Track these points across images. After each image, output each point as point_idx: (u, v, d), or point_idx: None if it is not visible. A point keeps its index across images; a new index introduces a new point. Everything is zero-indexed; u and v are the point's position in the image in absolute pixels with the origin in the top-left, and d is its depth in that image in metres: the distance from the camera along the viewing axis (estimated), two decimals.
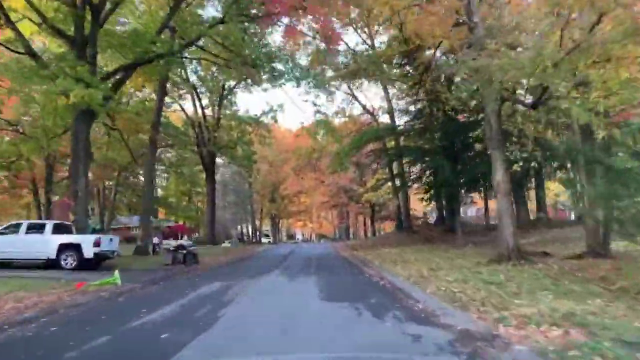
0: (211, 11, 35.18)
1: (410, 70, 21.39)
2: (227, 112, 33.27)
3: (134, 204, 57.27)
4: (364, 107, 32.51)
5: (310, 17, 18.25)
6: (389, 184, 37.32)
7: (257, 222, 75.17)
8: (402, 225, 29.62)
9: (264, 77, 20.15)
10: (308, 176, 65.84)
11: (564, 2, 8.48)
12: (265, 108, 49.02)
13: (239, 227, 69.31)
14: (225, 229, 59.19)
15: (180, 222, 65.04)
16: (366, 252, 20.09)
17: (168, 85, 29.20)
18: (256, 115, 35.03)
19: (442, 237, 24.60)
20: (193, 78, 28.47)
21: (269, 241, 78.58)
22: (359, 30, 25.99)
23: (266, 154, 66.09)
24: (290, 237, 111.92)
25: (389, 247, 21.46)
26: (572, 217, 29.35)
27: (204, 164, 30.39)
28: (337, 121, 37.60)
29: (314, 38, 22.91)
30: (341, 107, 35.45)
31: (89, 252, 13.28)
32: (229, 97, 33.13)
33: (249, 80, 35.14)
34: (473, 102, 19.15)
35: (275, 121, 35.92)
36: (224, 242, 28.82)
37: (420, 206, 44.82)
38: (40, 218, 25.50)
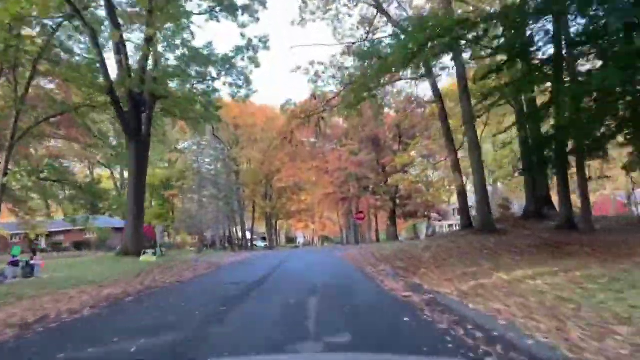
0: None
1: None
2: (177, 41, 20.72)
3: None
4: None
5: None
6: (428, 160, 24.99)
7: (250, 223, 62.35)
8: (471, 221, 17.08)
9: None
10: (307, 165, 53.30)
11: None
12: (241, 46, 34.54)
13: (223, 228, 56.16)
14: (201, 230, 46.65)
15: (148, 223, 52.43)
16: (454, 283, 7.62)
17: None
18: (227, 54, 22.64)
19: (573, 242, 12.10)
20: None
21: (265, 245, 66.45)
22: None
23: (255, 135, 53.74)
24: (290, 240, 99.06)
25: (487, 269, 9.00)
26: None
27: (122, 119, 17.48)
28: (349, 62, 25.17)
29: None
30: (356, 44, 22.89)
31: None
32: (178, 19, 20.63)
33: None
34: None
35: (257, 66, 23.51)
36: (145, 252, 16.00)
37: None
38: None
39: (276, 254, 28.78)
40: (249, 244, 61.35)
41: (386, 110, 42.35)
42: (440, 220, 55.90)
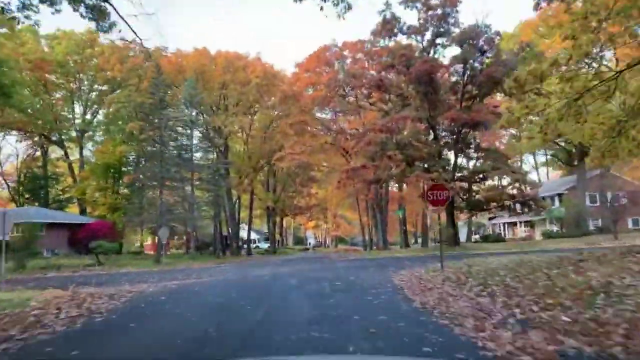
0: None
1: None
2: None
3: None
4: None
5: None
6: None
7: (249, 220, 48.53)
8: None
9: None
10: (318, 140, 39.31)
11: None
12: None
13: (213, 225, 42.10)
14: (161, 222, 32.51)
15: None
16: None
17: None
18: None
19: None
20: None
21: (268, 247, 53.11)
22: None
23: (249, 97, 39.62)
24: (299, 240, 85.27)
25: None
26: None
27: None
28: None
29: None
30: None
31: None
32: None
33: None
34: None
35: None
36: None
37: None
38: None
39: (258, 275, 15.00)
40: (247, 246, 47.78)
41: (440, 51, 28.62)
42: (493, 217, 41.16)
